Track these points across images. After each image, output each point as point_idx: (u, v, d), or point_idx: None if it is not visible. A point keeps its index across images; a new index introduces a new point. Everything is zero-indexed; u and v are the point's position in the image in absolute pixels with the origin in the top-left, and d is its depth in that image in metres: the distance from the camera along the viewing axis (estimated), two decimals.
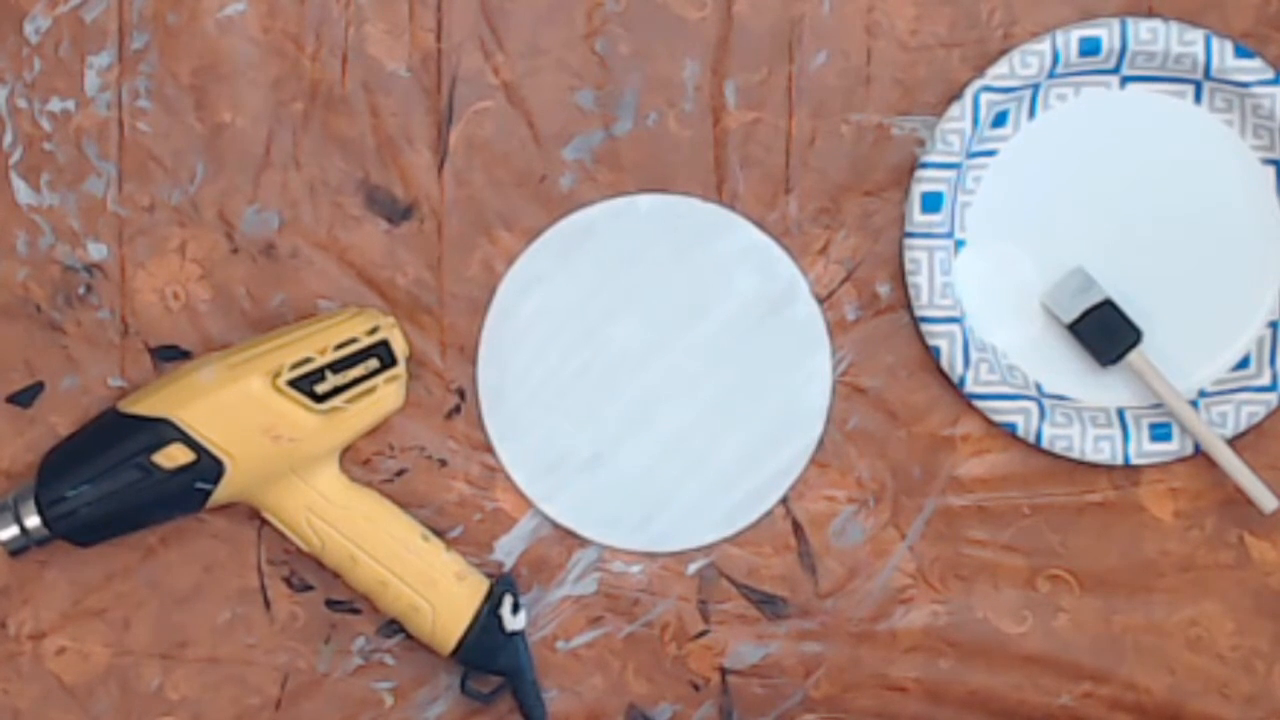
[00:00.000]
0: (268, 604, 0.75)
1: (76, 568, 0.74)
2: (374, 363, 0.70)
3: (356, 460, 0.74)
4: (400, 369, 0.71)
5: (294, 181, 0.74)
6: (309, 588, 0.75)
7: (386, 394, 0.71)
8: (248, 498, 0.71)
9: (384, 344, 0.70)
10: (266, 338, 0.71)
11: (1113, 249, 0.74)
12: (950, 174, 0.73)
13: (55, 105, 0.74)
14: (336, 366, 0.69)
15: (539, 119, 0.74)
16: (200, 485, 0.69)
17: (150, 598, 0.75)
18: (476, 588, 0.71)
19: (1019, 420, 0.73)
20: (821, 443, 0.74)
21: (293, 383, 0.68)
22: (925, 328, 0.73)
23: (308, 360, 0.69)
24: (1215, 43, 0.72)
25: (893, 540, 0.74)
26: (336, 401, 0.69)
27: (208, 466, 0.68)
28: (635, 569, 0.74)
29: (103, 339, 0.74)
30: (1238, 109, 0.73)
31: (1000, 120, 0.73)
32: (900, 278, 0.74)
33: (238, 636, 0.75)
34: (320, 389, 0.69)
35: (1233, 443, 0.73)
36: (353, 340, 0.70)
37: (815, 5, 0.74)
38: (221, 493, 0.69)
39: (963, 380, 0.73)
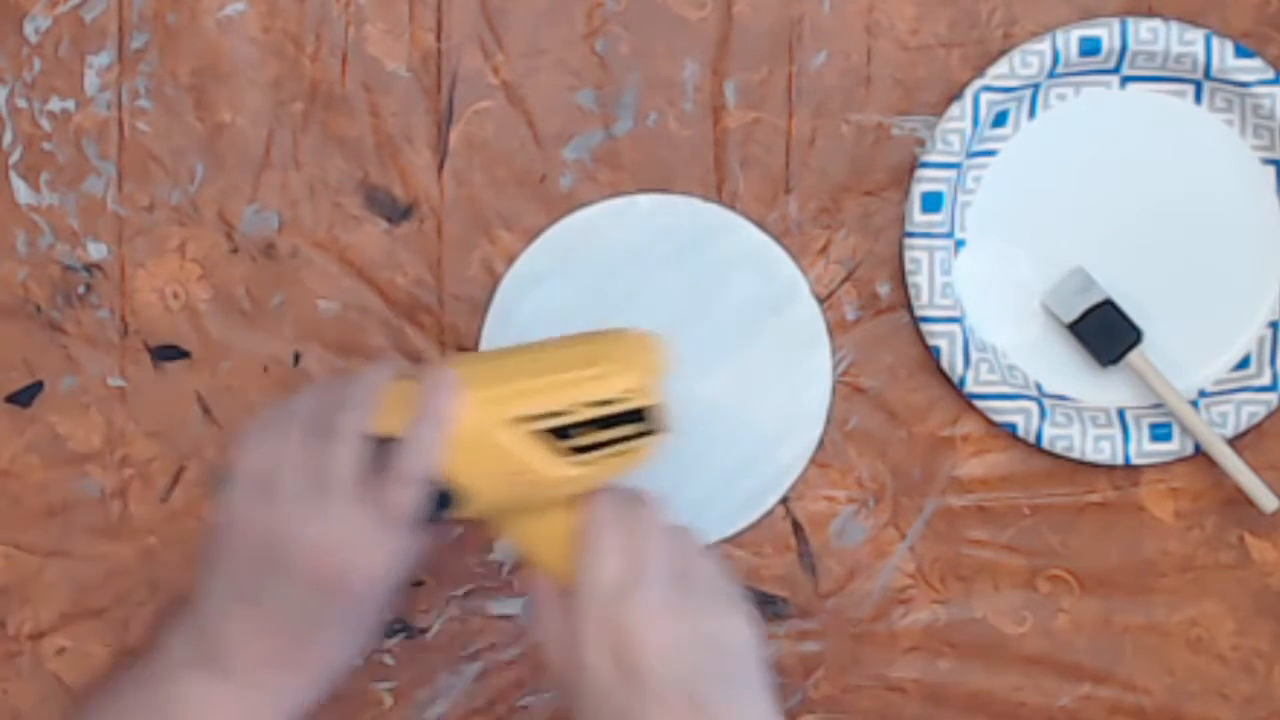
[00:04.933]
0: None
1: (76, 567, 0.74)
2: (635, 426, 0.61)
3: None
4: (664, 432, 0.62)
5: (294, 181, 0.74)
6: None
7: (645, 450, 0.63)
8: (487, 520, 0.65)
9: (647, 410, 0.61)
10: (522, 364, 0.63)
11: (1113, 249, 0.74)
12: (950, 174, 0.73)
13: (55, 105, 0.74)
14: (593, 425, 0.61)
15: (539, 119, 0.74)
16: (440, 511, 0.62)
17: (150, 598, 0.75)
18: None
19: (1019, 420, 0.73)
20: (821, 443, 0.74)
21: (544, 433, 0.61)
22: (925, 328, 0.73)
23: (562, 414, 0.61)
24: (1215, 43, 0.72)
25: (893, 540, 0.74)
26: (589, 456, 0.62)
27: (448, 495, 0.62)
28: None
29: (102, 339, 0.74)
30: (1238, 109, 0.73)
31: (1000, 120, 0.73)
32: (900, 278, 0.74)
33: None
34: (573, 443, 0.61)
35: (1233, 443, 0.73)
36: (613, 401, 0.61)
37: (815, 5, 0.74)
38: (455, 516, 0.64)
39: (963, 380, 0.73)
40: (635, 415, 0.61)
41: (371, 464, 0.60)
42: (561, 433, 0.61)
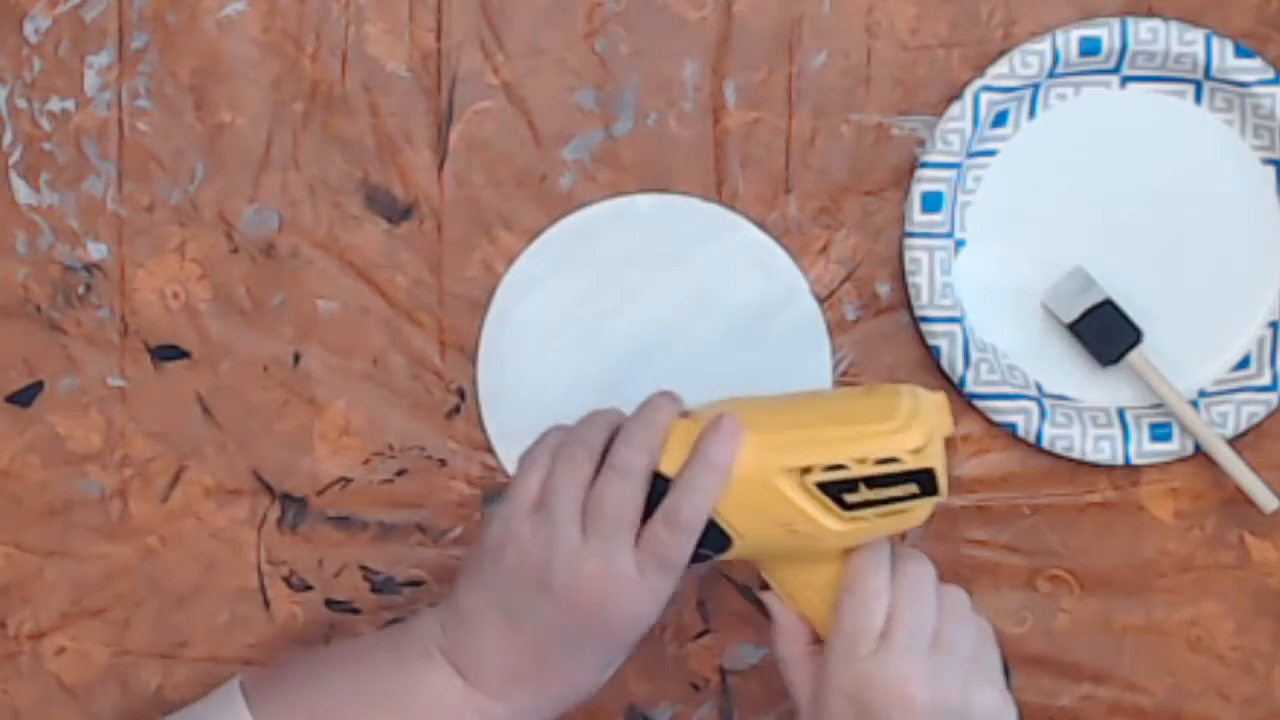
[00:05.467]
0: (267, 604, 0.75)
1: (76, 567, 0.74)
2: (914, 487, 0.59)
3: (356, 461, 0.74)
4: (942, 496, 0.60)
5: (294, 181, 0.74)
6: (309, 588, 0.75)
7: (919, 513, 0.61)
8: (751, 561, 0.65)
9: (929, 472, 0.59)
10: (806, 411, 0.62)
11: (1113, 249, 0.74)
12: (950, 174, 0.73)
13: (55, 105, 0.74)
14: (873, 482, 0.59)
15: (539, 119, 0.74)
16: (702, 551, 0.62)
17: (150, 598, 0.75)
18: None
19: (1019, 420, 0.73)
20: None
21: (822, 485, 0.60)
22: (925, 328, 0.73)
23: (844, 468, 0.59)
24: (1215, 43, 0.72)
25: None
26: (864, 513, 0.60)
27: (715, 538, 0.61)
28: None
29: (102, 339, 0.74)
30: (1238, 109, 0.73)
31: (1000, 120, 0.73)
32: (900, 278, 0.74)
33: (237, 636, 0.75)
34: (850, 499, 0.60)
35: (1233, 443, 0.73)
36: (896, 460, 0.59)
37: (815, 5, 0.74)
38: (721, 557, 0.63)
39: (963, 380, 0.73)
40: (911, 476, 0.59)
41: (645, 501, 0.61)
42: (834, 486, 0.59)
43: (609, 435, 0.62)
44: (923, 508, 0.60)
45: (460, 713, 0.61)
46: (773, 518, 0.60)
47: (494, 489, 0.64)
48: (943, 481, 0.59)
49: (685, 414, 0.63)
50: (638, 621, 0.62)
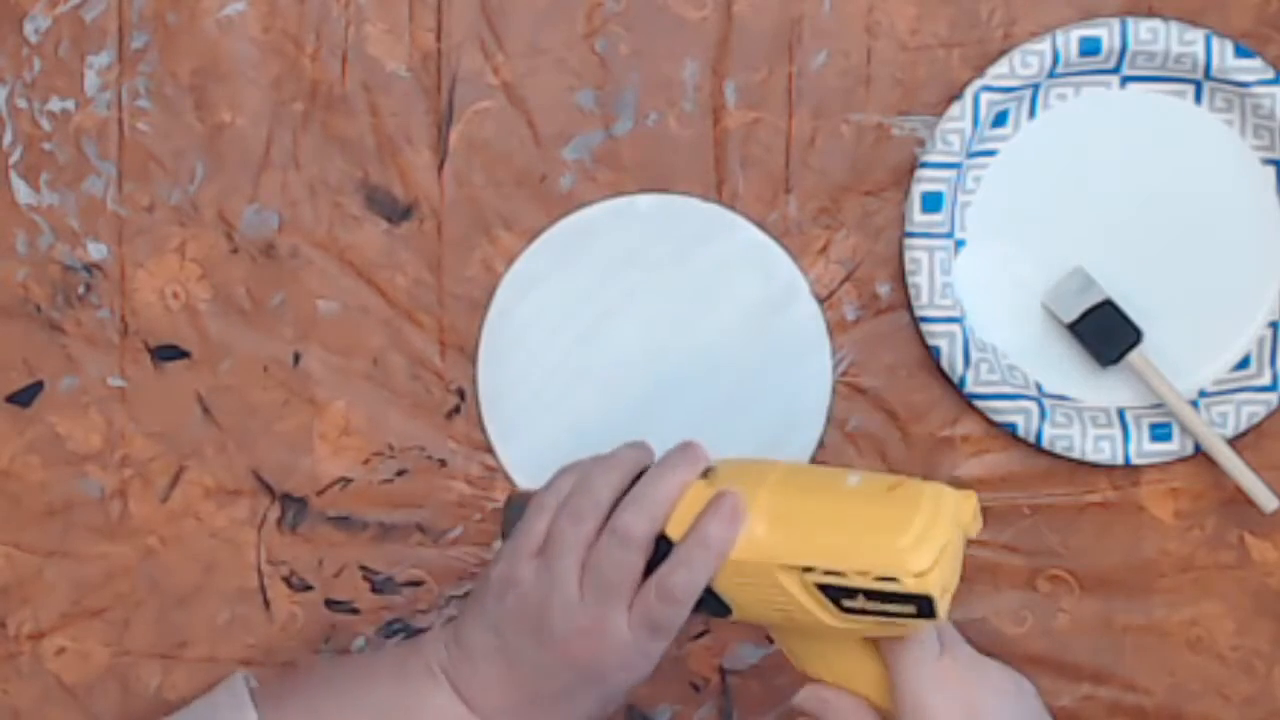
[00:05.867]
0: (267, 604, 0.75)
1: (76, 567, 0.74)
2: (911, 608, 0.57)
3: (356, 461, 0.74)
4: (941, 620, 0.57)
5: (294, 181, 0.74)
6: (309, 588, 0.75)
7: (913, 629, 0.59)
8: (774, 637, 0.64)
9: (929, 599, 0.56)
10: (817, 502, 0.60)
11: (1113, 249, 0.74)
12: (950, 174, 0.73)
13: (55, 105, 0.74)
14: (872, 595, 0.57)
15: (539, 119, 0.74)
16: (701, 613, 0.62)
17: (150, 598, 0.75)
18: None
19: (1019, 420, 0.73)
20: (821, 443, 0.74)
21: (821, 586, 0.58)
22: (925, 328, 0.73)
23: (843, 575, 0.57)
24: (1215, 43, 0.72)
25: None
26: (860, 619, 0.58)
27: (713, 604, 0.61)
28: None
29: (102, 339, 0.74)
30: (1238, 109, 0.73)
31: (1000, 120, 0.73)
32: (900, 278, 0.74)
33: (237, 636, 0.75)
34: (848, 604, 0.58)
35: (1233, 443, 0.73)
36: (897, 580, 0.56)
37: (815, 5, 0.74)
38: (723, 619, 0.63)
39: (963, 380, 0.73)
40: (911, 598, 0.56)
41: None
42: (833, 589, 0.58)
43: (622, 486, 0.62)
44: (917, 628, 0.59)
45: None
46: (769, 601, 0.59)
47: (518, 496, 0.64)
48: (943, 608, 0.57)
49: (707, 471, 0.62)
50: (630, 675, 0.62)
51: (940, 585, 0.56)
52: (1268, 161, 0.73)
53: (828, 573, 0.57)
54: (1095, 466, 0.74)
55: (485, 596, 0.63)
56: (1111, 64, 0.73)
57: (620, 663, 0.61)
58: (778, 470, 0.62)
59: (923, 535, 0.56)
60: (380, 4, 0.74)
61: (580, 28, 0.74)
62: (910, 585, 0.56)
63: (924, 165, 0.73)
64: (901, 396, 0.74)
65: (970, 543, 0.74)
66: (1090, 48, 0.72)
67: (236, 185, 0.74)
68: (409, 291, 0.74)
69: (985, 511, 0.74)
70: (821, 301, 0.74)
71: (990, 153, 0.74)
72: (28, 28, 0.74)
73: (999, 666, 0.61)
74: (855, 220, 0.74)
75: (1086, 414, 0.74)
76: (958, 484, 0.74)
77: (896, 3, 0.74)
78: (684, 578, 0.59)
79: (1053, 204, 0.74)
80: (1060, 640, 0.74)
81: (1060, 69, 0.72)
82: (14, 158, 0.74)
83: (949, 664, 0.60)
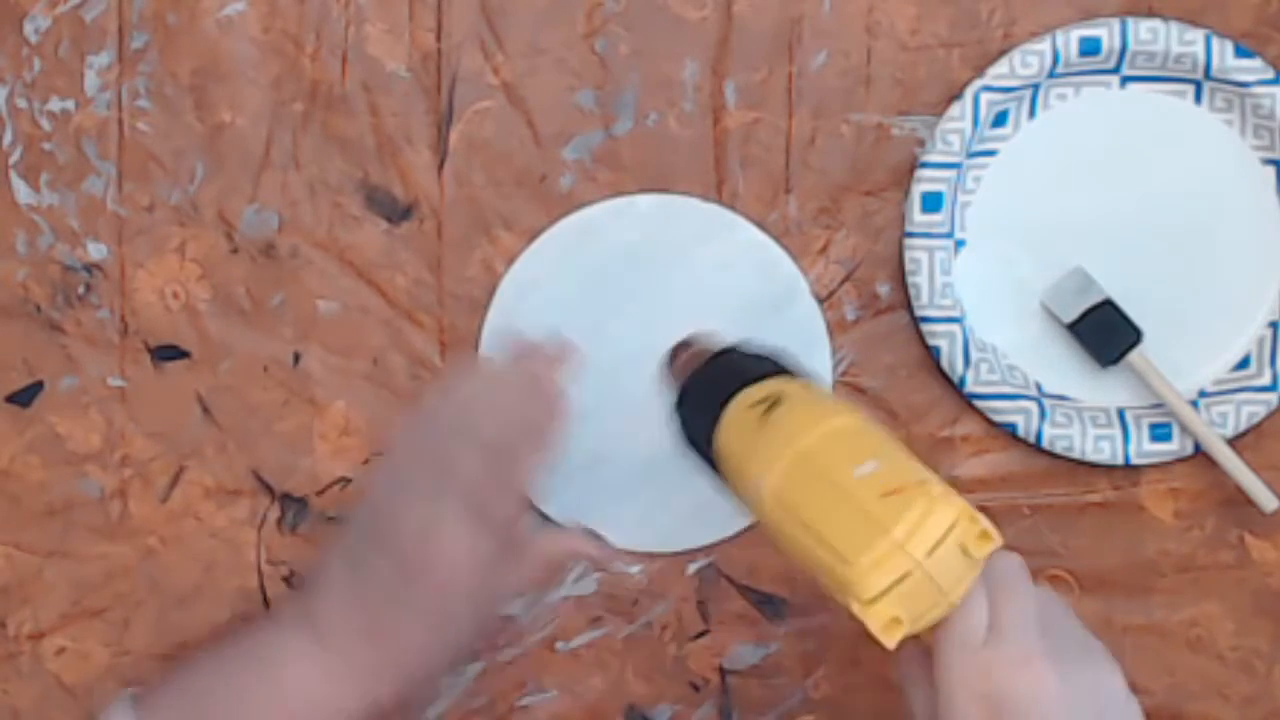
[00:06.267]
0: (267, 604, 0.75)
1: (76, 567, 0.74)
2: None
3: (356, 461, 0.74)
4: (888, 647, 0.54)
5: (294, 181, 0.74)
6: None
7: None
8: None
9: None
10: (816, 487, 0.57)
11: (1113, 249, 0.74)
12: (950, 174, 0.73)
13: (55, 105, 0.74)
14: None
15: (539, 119, 0.74)
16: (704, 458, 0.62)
17: (150, 598, 0.75)
18: None
19: (1019, 420, 0.73)
20: None
21: None
22: (925, 328, 0.73)
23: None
24: (1215, 43, 0.72)
25: None
26: None
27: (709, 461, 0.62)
28: (635, 569, 0.74)
29: (102, 339, 0.74)
30: (1238, 109, 0.73)
31: (1000, 120, 0.73)
32: (900, 278, 0.74)
33: None
34: None
35: (1233, 443, 0.73)
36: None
37: (815, 5, 0.74)
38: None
39: (963, 380, 0.73)
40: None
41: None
42: None
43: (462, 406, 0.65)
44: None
45: (308, 673, 0.63)
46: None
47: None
48: (887, 639, 0.53)
49: (775, 400, 0.60)
50: (458, 573, 0.62)
51: (889, 617, 0.52)
52: (1268, 161, 0.73)
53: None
54: (1095, 466, 0.74)
55: (341, 529, 0.65)
56: (1111, 64, 0.73)
57: (450, 554, 0.62)
58: (817, 431, 0.58)
59: (889, 554, 0.52)
60: (380, 4, 0.74)
61: (580, 28, 0.74)
62: (857, 612, 0.53)
63: (924, 165, 0.73)
64: (901, 396, 0.74)
65: None
66: (1090, 48, 0.72)
67: (236, 185, 0.74)
68: (409, 291, 0.74)
69: (985, 511, 0.74)
70: (821, 301, 0.74)
71: (990, 153, 0.74)
72: (28, 28, 0.74)
73: (1088, 668, 0.56)
74: (855, 220, 0.74)
75: (1086, 414, 0.74)
76: (958, 484, 0.74)
77: (896, 3, 0.74)
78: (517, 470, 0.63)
79: (1053, 204, 0.74)
80: None
81: (1060, 69, 0.72)
82: (14, 158, 0.74)
83: (989, 656, 0.55)
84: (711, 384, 0.63)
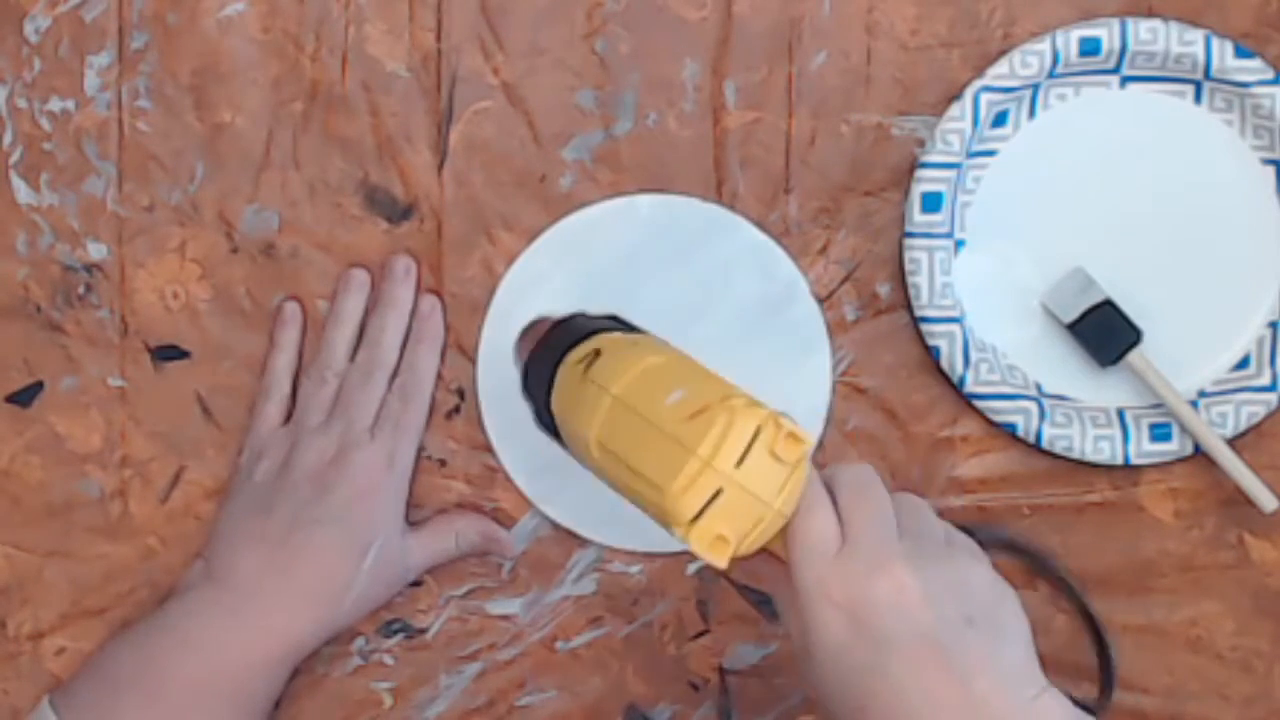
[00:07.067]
0: None
1: (76, 567, 0.74)
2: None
3: None
4: (719, 567, 0.54)
5: (294, 181, 0.74)
6: None
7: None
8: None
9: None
10: (634, 423, 0.57)
11: (1113, 249, 0.74)
12: (950, 174, 0.73)
13: (55, 105, 0.74)
14: None
15: (539, 119, 0.74)
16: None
17: (150, 598, 0.75)
18: None
19: (1019, 420, 0.73)
20: (821, 443, 0.74)
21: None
22: (925, 328, 0.73)
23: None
24: (1215, 43, 0.72)
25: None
26: None
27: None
28: (635, 569, 0.74)
29: (102, 339, 0.74)
30: (1238, 109, 0.73)
31: (1000, 120, 0.73)
32: (900, 278, 0.74)
33: None
34: None
35: (1233, 443, 0.73)
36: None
37: (815, 5, 0.74)
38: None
39: (963, 380, 0.73)
40: None
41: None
42: None
43: (355, 336, 0.73)
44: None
45: (218, 622, 0.66)
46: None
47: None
48: (716, 558, 0.52)
49: (595, 354, 0.62)
50: (374, 484, 0.68)
51: (713, 535, 0.52)
52: (1268, 161, 0.73)
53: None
54: (1095, 466, 0.74)
55: (235, 486, 0.71)
56: (1111, 64, 0.73)
57: (362, 465, 0.68)
58: (631, 373, 0.59)
59: (695, 475, 0.52)
60: (380, 4, 0.74)
61: (580, 28, 0.74)
62: (682, 537, 0.52)
63: (924, 165, 0.73)
64: (901, 396, 0.74)
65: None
66: (1090, 48, 0.72)
67: (236, 185, 0.74)
68: None
69: (985, 511, 0.74)
70: (821, 301, 0.74)
71: (990, 153, 0.74)
72: (28, 28, 0.74)
73: (949, 564, 0.55)
74: (855, 220, 0.74)
75: (1086, 414, 0.74)
76: (957, 484, 0.74)
77: (896, 3, 0.74)
78: (410, 376, 0.71)
79: (1053, 204, 0.74)
80: (1060, 640, 0.74)
81: (1060, 69, 0.72)
82: (14, 158, 0.74)
83: (844, 565, 0.54)
84: (545, 355, 0.66)
